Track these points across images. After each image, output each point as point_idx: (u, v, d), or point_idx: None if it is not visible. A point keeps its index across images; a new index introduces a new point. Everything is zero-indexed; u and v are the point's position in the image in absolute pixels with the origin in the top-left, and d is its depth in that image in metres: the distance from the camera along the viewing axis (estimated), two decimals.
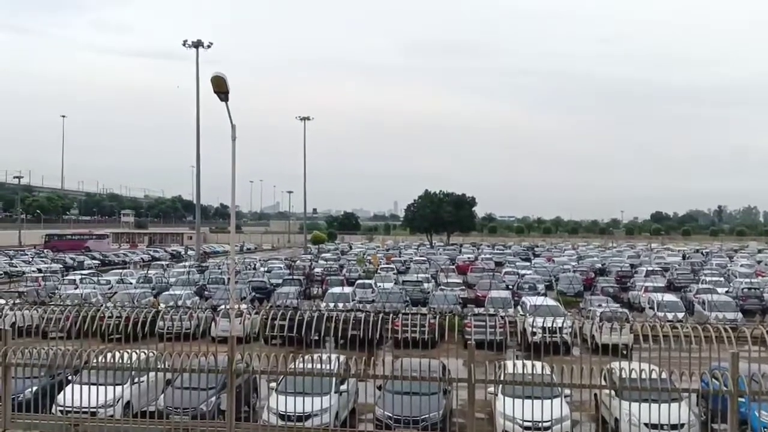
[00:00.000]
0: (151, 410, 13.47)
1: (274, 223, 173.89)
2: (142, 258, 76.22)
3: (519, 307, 31.76)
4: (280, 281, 44.48)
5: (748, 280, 45.19)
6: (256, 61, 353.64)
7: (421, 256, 73.00)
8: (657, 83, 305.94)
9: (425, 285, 42.94)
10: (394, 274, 50.56)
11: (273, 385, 14.57)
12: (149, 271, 50.95)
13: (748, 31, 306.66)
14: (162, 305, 28.44)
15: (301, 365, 12.57)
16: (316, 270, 54.36)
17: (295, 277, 47.03)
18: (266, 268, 56.26)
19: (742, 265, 60.81)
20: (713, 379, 11.48)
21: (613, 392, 14.13)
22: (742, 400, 11.44)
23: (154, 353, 12.91)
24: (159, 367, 12.62)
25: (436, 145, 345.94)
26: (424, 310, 25.79)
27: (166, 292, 36.42)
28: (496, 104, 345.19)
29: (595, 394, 15.68)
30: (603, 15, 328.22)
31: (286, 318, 12.94)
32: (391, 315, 15.20)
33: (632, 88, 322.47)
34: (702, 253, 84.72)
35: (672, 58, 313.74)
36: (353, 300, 34.88)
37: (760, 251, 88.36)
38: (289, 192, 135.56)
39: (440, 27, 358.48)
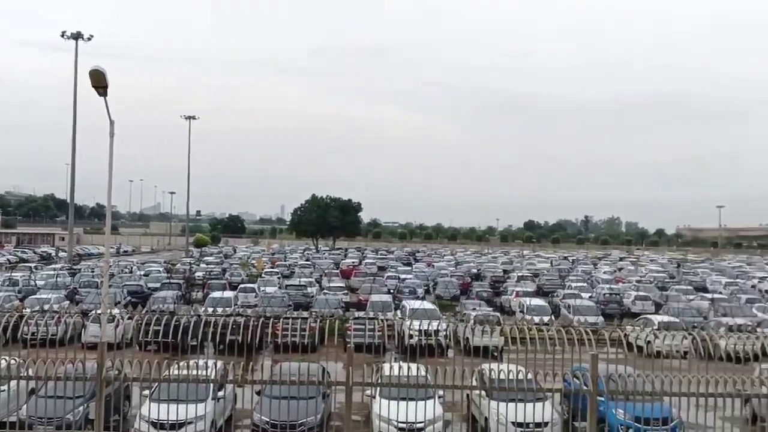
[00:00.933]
0: (12, 420, 12.71)
1: (155, 225, 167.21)
2: (8, 259, 71.10)
3: (399, 311, 32.43)
4: (158, 285, 43.07)
5: (609, 286, 48.59)
6: (148, 56, 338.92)
7: (306, 260, 72.86)
8: (544, 97, 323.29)
9: (309, 289, 42.97)
10: (278, 278, 50.23)
11: (146, 392, 14.14)
12: (15, 273, 47.68)
13: (644, 48, 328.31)
14: (27, 309, 26.73)
15: (176, 371, 12.30)
16: (198, 274, 53.14)
17: (174, 281, 45.57)
18: (143, 272, 54.28)
19: (604, 272, 65.02)
20: (575, 379, 12.26)
21: (483, 392, 14.75)
22: (601, 399, 12.29)
23: (16, 360, 12.20)
24: (22, 375, 11.95)
25: (325, 150, 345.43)
26: (305, 314, 25.84)
27: (33, 296, 34.22)
28: (391, 111, 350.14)
29: (468, 395, 16.34)
30: (501, 33, 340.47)
31: (161, 323, 12.61)
32: (271, 319, 15.16)
33: (519, 101, 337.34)
34: (569, 260, 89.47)
35: (563, 74, 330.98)
36: (235, 304, 34.30)
37: (621, 259, 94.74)
38: (172, 193, 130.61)
39: (347, 31, 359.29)
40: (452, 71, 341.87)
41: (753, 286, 54.38)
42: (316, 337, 22.14)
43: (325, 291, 41.92)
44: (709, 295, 44.77)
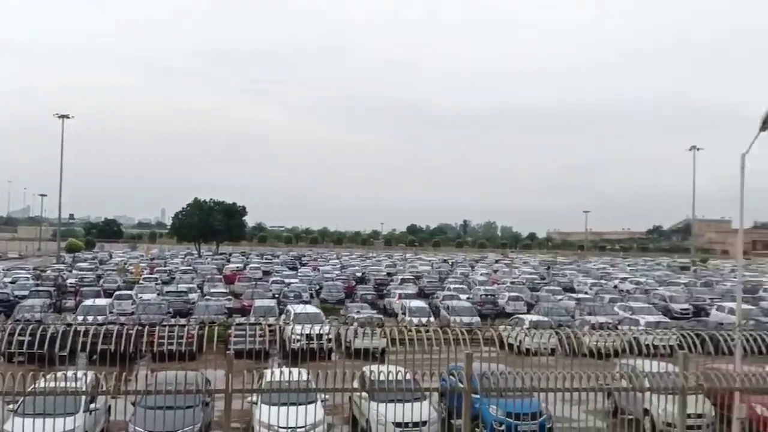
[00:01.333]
0: None
1: (23, 229, 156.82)
2: None
3: (283, 315, 32.29)
4: (26, 293, 40.60)
5: (485, 287, 50.48)
6: (20, 51, 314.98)
7: (187, 266, 70.92)
8: (428, 104, 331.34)
9: (190, 295, 42.15)
10: (157, 284, 48.80)
11: (11, 407, 13.30)
12: None
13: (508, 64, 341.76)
14: None
15: (44, 384, 11.68)
16: (70, 281, 50.66)
17: (43, 288, 42.97)
18: (10, 279, 51.07)
19: (481, 274, 67.62)
20: (451, 378, 12.74)
21: (365, 394, 15.00)
22: (476, 396, 12.82)
23: None
24: None
25: (209, 153, 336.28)
26: (183, 321, 25.23)
27: None
28: (278, 114, 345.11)
29: (350, 397, 16.55)
30: (389, 38, 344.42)
31: (26, 333, 11.91)
32: (146, 327, 14.73)
33: (404, 107, 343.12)
34: (448, 262, 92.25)
35: (449, 81, 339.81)
36: (110, 312, 32.88)
37: (496, 261, 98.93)
38: (42, 195, 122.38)
39: (231, 33, 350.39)
40: (338, 75, 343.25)
41: (615, 287, 58.37)
42: (195, 344, 21.65)
43: (207, 297, 41.12)
44: (575, 295, 47.73)
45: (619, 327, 29.41)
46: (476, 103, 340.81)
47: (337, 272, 65.41)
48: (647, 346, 14.61)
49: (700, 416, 14.72)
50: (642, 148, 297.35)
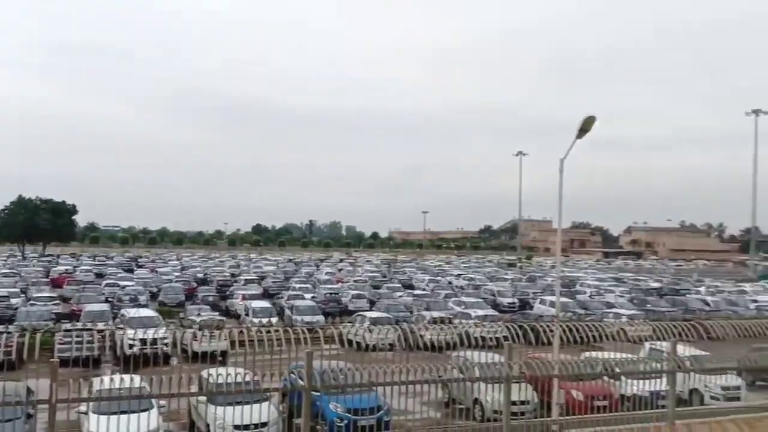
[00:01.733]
0: None
1: None
2: None
3: (118, 320, 30.85)
4: None
5: (329, 286, 51.31)
6: None
7: (9, 269, 65.29)
8: (275, 105, 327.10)
9: (12, 300, 39.08)
10: None
11: None
12: None
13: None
14: None
15: None
16: None
17: None
18: None
19: (326, 273, 68.35)
20: (291, 375, 12.83)
21: (204, 398, 14.69)
22: (317, 394, 12.99)
23: None
24: None
25: (35, 147, 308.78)
26: (8, 327, 23.28)
27: None
28: (112, 109, 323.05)
29: (188, 401, 16.11)
30: (236, 36, 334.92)
31: None
32: None
33: (251, 107, 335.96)
34: (294, 262, 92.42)
35: (297, 82, 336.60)
36: None
37: (341, 260, 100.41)
38: None
39: (70, 26, 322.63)
40: (181, 73, 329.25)
41: (449, 283, 61.47)
42: (15, 353, 20.03)
43: (32, 302, 38.43)
44: (414, 292, 49.70)
45: (453, 321, 31.04)
46: (318, 102, 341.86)
47: (176, 274, 63.31)
48: (476, 338, 15.61)
49: (523, 403, 15.91)
50: (475, 153, 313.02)
